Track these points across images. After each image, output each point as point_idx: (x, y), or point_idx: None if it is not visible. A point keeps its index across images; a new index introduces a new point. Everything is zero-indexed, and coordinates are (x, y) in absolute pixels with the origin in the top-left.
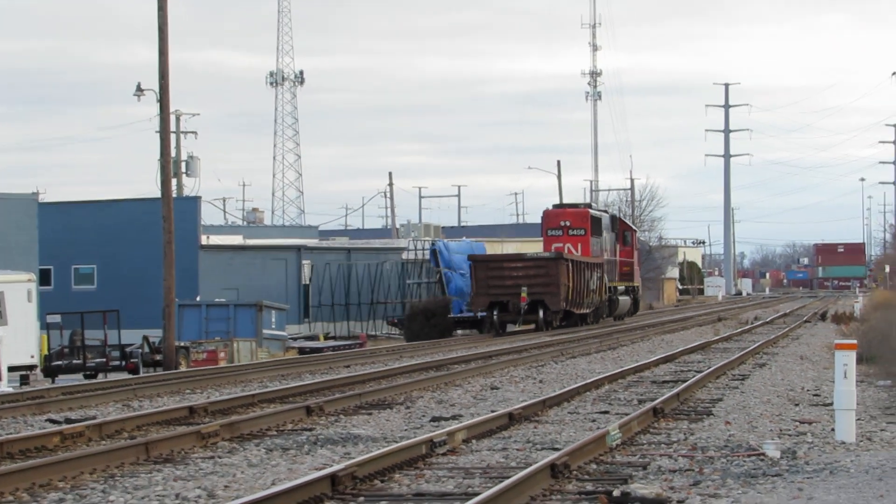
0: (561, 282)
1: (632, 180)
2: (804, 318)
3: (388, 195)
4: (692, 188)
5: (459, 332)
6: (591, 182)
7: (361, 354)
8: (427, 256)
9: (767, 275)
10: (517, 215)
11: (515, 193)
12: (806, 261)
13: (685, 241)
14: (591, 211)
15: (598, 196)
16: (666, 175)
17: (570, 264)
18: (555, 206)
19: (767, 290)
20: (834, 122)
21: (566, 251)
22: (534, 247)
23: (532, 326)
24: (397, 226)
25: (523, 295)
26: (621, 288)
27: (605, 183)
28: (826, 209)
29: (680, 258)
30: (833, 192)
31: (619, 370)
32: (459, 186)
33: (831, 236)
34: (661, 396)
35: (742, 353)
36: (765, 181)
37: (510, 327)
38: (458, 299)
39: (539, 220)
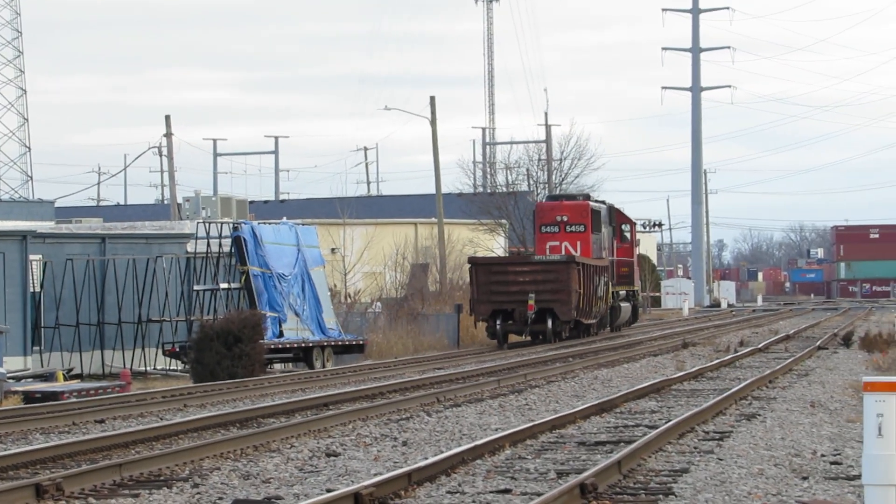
0: (572, 288)
1: (548, 128)
2: (817, 343)
3: (166, 153)
4: (642, 141)
5: (278, 366)
6: (483, 131)
7: (124, 402)
8: (227, 248)
9: (760, 275)
10: (367, 183)
11: (365, 148)
12: (820, 253)
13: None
14: (591, 203)
15: (495, 151)
16: (601, 120)
17: (581, 268)
18: (549, 198)
19: (760, 298)
20: (864, 35)
21: (563, 251)
22: (393, 230)
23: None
24: (179, 200)
25: (531, 303)
26: (622, 293)
27: (507, 131)
28: (852, 172)
29: None
30: (863, 145)
31: (528, 425)
32: (277, 138)
33: (860, 214)
34: (592, 466)
35: (720, 397)
36: (755, 129)
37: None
38: (275, 316)
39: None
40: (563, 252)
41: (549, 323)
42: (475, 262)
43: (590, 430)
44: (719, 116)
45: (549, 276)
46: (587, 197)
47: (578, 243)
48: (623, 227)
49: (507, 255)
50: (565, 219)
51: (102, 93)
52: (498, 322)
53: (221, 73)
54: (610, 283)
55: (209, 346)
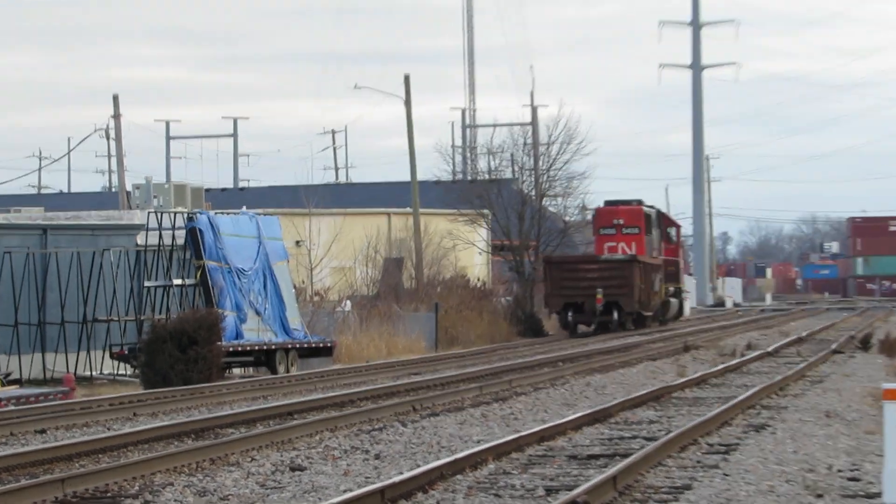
0: (635, 283)
1: (533, 109)
2: (832, 347)
3: (113, 135)
4: (637, 123)
5: (237, 371)
6: (463, 112)
7: (67, 411)
8: (181, 240)
9: (769, 271)
10: (335, 169)
11: (333, 132)
12: (835, 247)
13: None
14: (643, 208)
15: (476, 134)
16: (592, 101)
17: (641, 266)
18: (606, 203)
19: (769, 297)
20: (884, 8)
21: (620, 251)
22: (364, 221)
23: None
24: (129, 188)
25: (599, 296)
26: (671, 289)
27: (489, 113)
28: (869, 158)
29: None
30: (881, 128)
31: (513, 437)
32: (236, 120)
33: (879, 205)
34: (585, 482)
35: (725, 406)
36: (763, 111)
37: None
38: (234, 315)
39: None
40: (620, 252)
41: (615, 314)
42: (549, 261)
43: (582, 442)
44: (723, 97)
45: (614, 272)
46: (640, 202)
47: (633, 244)
48: (669, 229)
49: (490, 247)
50: (621, 222)
51: (44, 70)
52: (569, 314)
53: (174, 50)
54: (662, 280)
55: (161, 349)
